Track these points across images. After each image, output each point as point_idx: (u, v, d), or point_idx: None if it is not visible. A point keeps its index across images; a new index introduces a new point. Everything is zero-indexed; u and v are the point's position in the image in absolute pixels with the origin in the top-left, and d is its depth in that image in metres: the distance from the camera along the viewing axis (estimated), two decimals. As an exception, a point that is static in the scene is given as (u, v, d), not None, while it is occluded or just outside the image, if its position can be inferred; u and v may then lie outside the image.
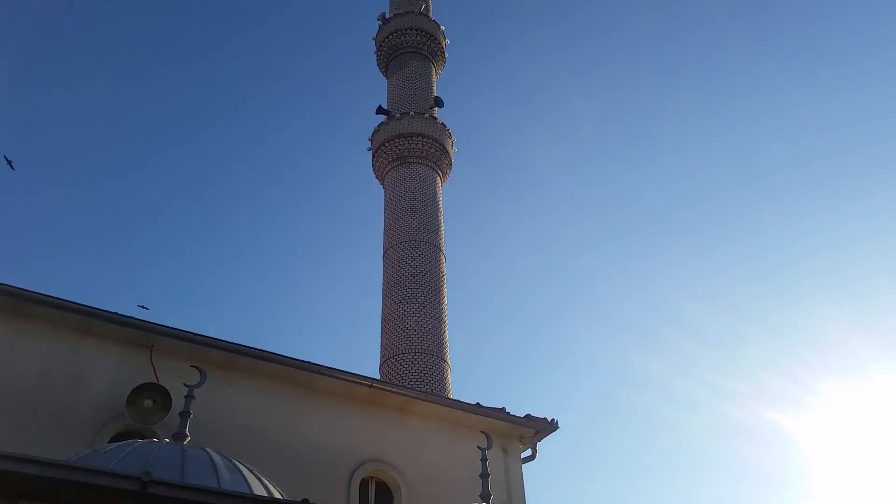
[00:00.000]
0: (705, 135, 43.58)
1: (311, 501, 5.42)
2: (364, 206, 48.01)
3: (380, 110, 21.42)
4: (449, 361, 16.77)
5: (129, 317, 9.73)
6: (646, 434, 37.87)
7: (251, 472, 7.43)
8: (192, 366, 8.85)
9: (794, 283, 36.89)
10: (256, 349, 10.39)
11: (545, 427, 12.28)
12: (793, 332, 34.85)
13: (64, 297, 9.41)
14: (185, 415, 8.10)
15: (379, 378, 15.81)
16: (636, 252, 44.73)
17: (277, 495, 7.35)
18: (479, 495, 8.97)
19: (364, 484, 10.80)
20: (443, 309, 17.63)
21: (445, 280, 18.48)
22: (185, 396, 8.29)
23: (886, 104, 39.16)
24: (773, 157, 41.01)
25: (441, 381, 16.02)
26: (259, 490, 7.08)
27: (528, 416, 12.28)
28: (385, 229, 19.35)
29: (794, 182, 39.53)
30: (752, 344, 35.43)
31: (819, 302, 34.04)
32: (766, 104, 42.82)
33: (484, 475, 9.18)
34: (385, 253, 18.90)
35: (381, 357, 16.76)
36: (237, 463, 7.43)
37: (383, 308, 17.82)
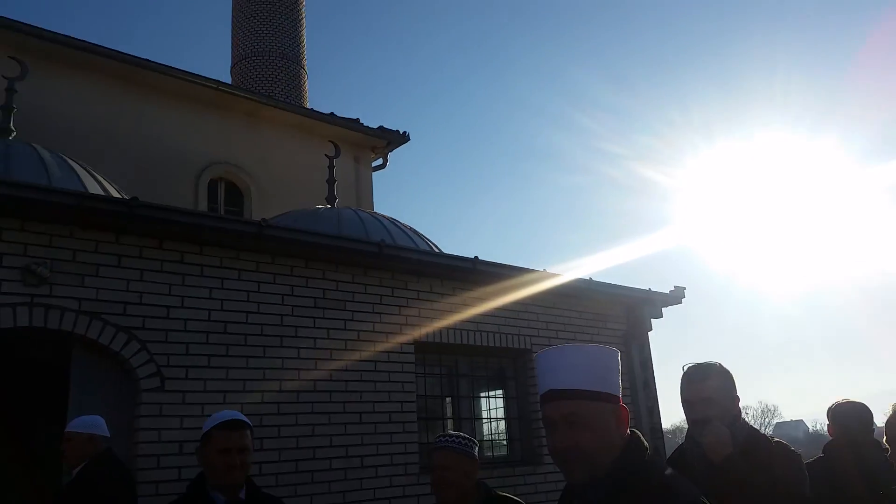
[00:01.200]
0: None
1: (140, 199, 5.46)
2: None
3: None
4: (306, 68, 16.26)
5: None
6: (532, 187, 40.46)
7: (85, 169, 7.27)
8: (10, 57, 8.14)
9: (675, 64, 39.48)
10: (83, 40, 9.61)
11: (397, 139, 12.68)
12: (665, 99, 38.34)
13: None
14: (7, 109, 7.64)
15: (230, 82, 15.27)
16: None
17: (115, 193, 7.33)
18: (325, 198, 9.42)
19: (213, 185, 10.99)
20: (300, 9, 16.60)
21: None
22: (5, 90, 7.75)
23: None
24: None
25: (297, 87, 15.64)
26: (94, 188, 6.96)
27: (381, 127, 12.56)
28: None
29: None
30: (634, 113, 38.41)
31: (687, 72, 37.03)
32: None
33: (330, 181, 9.54)
34: (237, -59, 17.00)
35: (233, 59, 15.94)
36: (69, 160, 7.20)
37: (234, 3, 16.52)
